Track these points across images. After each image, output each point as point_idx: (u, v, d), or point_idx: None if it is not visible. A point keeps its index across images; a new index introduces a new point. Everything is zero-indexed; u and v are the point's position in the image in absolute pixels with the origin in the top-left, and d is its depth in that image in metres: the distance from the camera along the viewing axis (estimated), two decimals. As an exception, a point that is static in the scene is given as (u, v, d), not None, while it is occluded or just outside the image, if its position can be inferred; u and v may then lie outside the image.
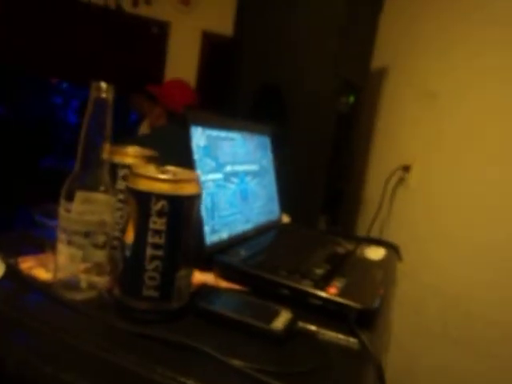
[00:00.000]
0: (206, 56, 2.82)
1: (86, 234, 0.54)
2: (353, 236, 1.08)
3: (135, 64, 2.85)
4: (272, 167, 1.00)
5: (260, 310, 0.54)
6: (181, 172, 0.53)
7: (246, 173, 0.85)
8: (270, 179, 0.98)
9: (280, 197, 1.02)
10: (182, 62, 2.84)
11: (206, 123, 0.72)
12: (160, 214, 0.47)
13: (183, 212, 0.49)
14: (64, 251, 0.53)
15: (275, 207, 0.99)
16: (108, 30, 2.79)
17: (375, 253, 0.84)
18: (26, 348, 0.42)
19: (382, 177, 1.87)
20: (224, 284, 0.64)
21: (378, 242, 0.96)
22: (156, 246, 0.48)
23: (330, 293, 0.59)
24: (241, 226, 0.80)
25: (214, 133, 0.74)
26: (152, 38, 2.90)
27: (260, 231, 0.86)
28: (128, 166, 0.60)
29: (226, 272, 0.65)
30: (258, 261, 0.68)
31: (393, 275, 0.84)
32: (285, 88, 1.59)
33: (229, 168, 0.78)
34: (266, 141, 0.98)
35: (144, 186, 0.47)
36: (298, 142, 1.54)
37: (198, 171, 0.67)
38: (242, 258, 0.68)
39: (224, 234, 0.73)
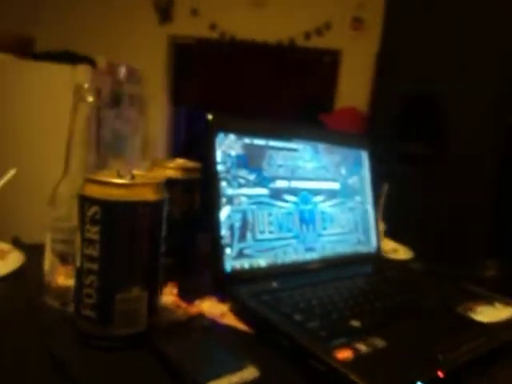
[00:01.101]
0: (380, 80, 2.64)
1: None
2: (492, 288, 0.77)
3: (308, 94, 2.90)
4: (369, 188, 0.80)
5: (220, 361, 0.41)
6: (141, 176, 0.45)
7: (316, 191, 0.70)
8: (363, 202, 0.79)
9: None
10: (355, 88, 2.74)
11: (244, 129, 0.62)
12: (93, 221, 0.41)
13: (126, 221, 0.42)
14: (52, 258, 0.52)
15: (369, 237, 0.78)
16: (282, 64, 2.95)
17: (492, 313, 0.56)
18: None
19: None
20: (227, 320, 0.52)
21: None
22: (90, 258, 0.42)
23: (337, 356, 0.40)
24: (296, 255, 0.65)
25: (259, 141, 0.64)
26: (324, 68, 2.91)
27: (332, 264, 0.69)
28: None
29: (234, 306, 0.53)
30: (277, 297, 0.53)
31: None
32: (438, 100, 1.31)
33: (281, 183, 0.65)
34: (359, 155, 0.80)
35: (86, 190, 0.42)
36: (452, 163, 1.23)
37: (223, 184, 0.58)
38: (259, 290, 0.54)
39: (261, 261, 0.61)
